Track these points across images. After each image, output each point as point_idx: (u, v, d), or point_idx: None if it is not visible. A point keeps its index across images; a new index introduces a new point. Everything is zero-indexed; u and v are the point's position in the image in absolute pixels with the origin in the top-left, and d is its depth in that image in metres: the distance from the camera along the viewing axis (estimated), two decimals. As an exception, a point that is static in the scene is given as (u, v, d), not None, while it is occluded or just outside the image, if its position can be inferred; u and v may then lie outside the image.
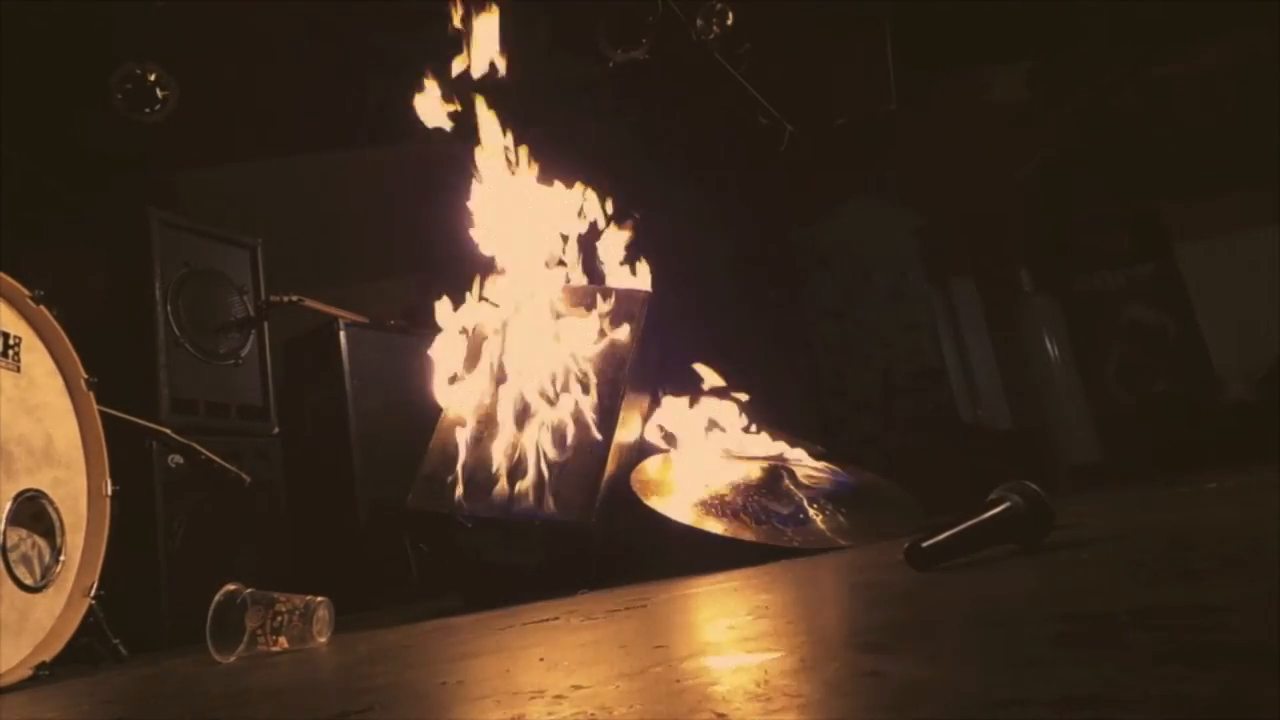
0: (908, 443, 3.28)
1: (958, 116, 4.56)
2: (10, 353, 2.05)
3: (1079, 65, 4.37)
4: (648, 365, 2.89)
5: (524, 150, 2.93)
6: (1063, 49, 4.25)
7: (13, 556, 1.94)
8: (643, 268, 3.03)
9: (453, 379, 2.67)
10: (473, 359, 2.72)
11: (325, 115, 3.66)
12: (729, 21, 3.46)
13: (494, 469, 2.46)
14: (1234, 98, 4.49)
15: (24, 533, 1.99)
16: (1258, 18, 3.91)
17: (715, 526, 2.37)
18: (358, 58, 3.47)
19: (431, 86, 2.84)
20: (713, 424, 2.94)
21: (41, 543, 2.03)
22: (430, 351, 2.69)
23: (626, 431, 2.72)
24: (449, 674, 1.13)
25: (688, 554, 2.32)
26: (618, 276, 3.04)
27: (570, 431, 2.54)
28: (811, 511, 2.49)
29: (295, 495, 3.06)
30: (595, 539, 2.39)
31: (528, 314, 2.79)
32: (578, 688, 0.83)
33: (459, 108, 2.89)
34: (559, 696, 0.80)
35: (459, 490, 2.43)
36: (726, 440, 2.93)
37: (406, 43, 3.43)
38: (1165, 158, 4.88)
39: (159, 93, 3.26)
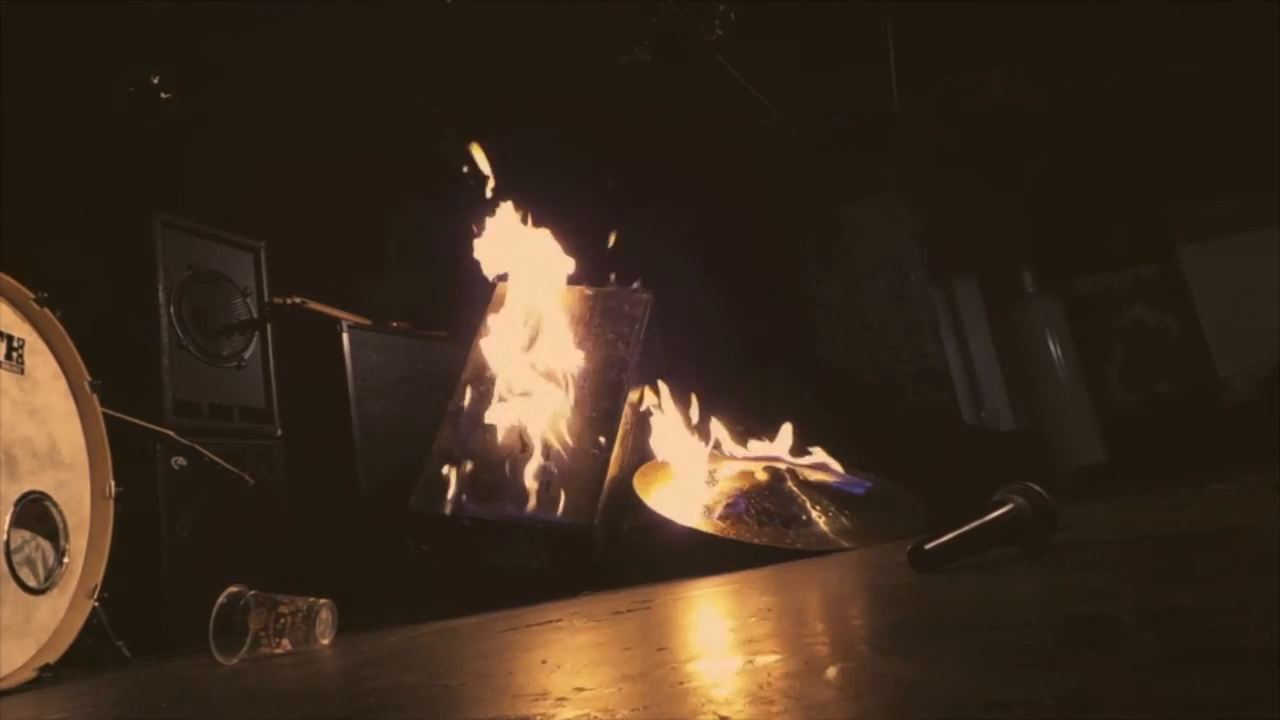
0: (910, 444, 3.27)
1: (960, 117, 4.55)
2: (14, 355, 2.06)
3: (1082, 65, 4.37)
4: (650, 368, 2.89)
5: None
6: (1065, 49, 4.24)
7: (16, 559, 1.94)
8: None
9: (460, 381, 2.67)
10: (478, 362, 2.73)
11: (329, 117, 3.66)
12: (732, 21, 3.46)
13: (496, 471, 2.47)
14: (1237, 99, 4.49)
15: (28, 535, 1.99)
16: (1260, 19, 3.91)
17: (718, 529, 2.37)
18: (365, 59, 3.48)
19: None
20: (716, 426, 2.93)
21: (45, 545, 2.03)
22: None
23: (629, 434, 2.72)
24: (452, 676, 1.13)
25: (690, 556, 2.32)
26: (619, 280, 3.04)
27: (573, 434, 2.54)
28: (814, 513, 2.49)
29: (298, 497, 3.06)
30: (597, 541, 2.39)
31: (530, 316, 2.79)
32: (580, 690, 0.83)
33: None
34: (562, 699, 0.80)
35: (461, 492, 2.43)
36: (729, 442, 2.93)
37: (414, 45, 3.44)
38: (1168, 159, 4.87)
39: (162, 94, 3.27)
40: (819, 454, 2.91)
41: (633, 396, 2.74)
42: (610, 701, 0.76)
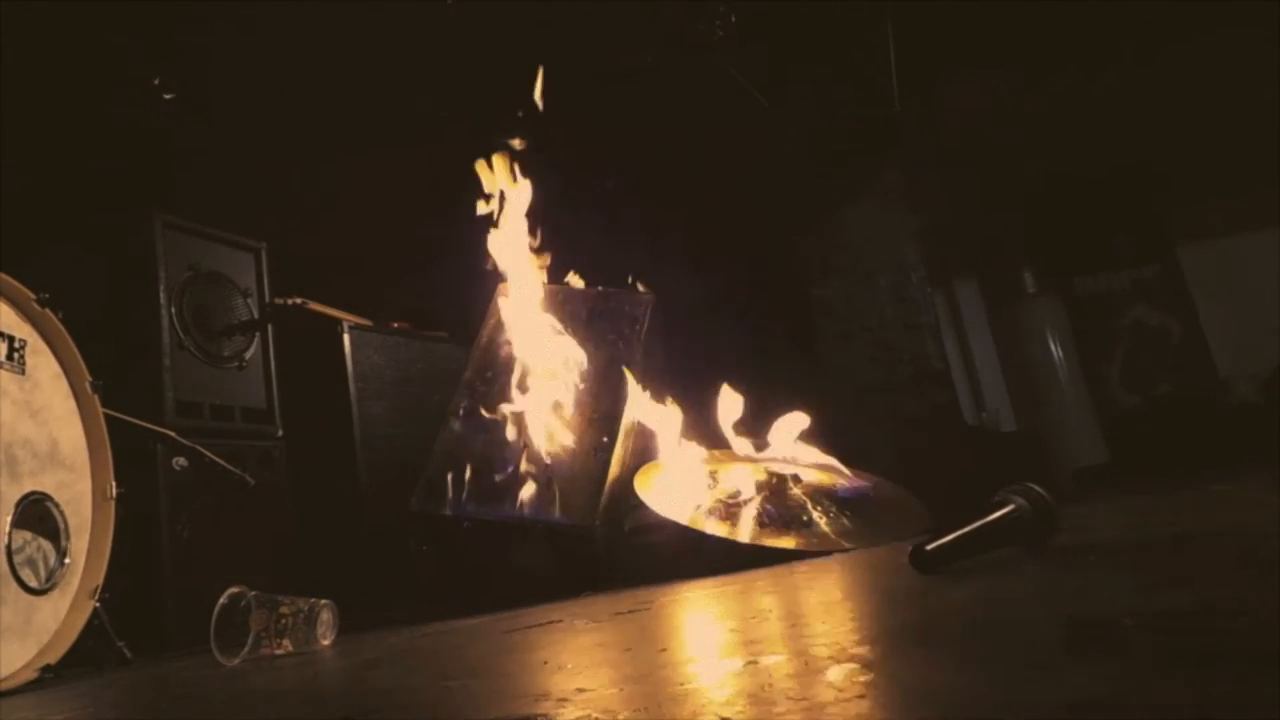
0: (911, 445, 3.27)
1: (960, 117, 4.55)
2: (15, 356, 2.06)
3: (1082, 66, 4.36)
4: (651, 368, 2.89)
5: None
6: (1066, 50, 4.24)
7: (18, 559, 1.94)
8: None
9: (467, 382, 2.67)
10: (479, 362, 2.73)
11: (329, 116, 3.66)
12: (732, 22, 3.47)
13: (498, 471, 2.47)
14: (1237, 99, 4.48)
15: (29, 535, 1.99)
16: (1259, 18, 3.91)
17: (719, 529, 2.37)
18: (367, 59, 3.48)
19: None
20: (717, 427, 2.93)
21: (46, 545, 2.03)
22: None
23: (630, 434, 2.72)
24: (453, 677, 1.13)
25: (691, 557, 2.32)
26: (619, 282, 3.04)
27: (574, 434, 2.54)
28: (816, 514, 2.48)
29: (299, 498, 3.06)
30: (599, 542, 2.39)
31: (532, 316, 2.79)
32: (582, 691, 0.83)
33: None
34: (563, 699, 0.80)
35: (462, 493, 2.43)
36: (731, 443, 2.92)
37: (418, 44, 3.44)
38: (1168, 159, 4.87)
39: (164, 95, 3.27)
40: (820, 455, 2.91)
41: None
42: (612, 703, 0.76)
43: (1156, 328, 5.19)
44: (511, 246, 2.87)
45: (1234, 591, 0.86)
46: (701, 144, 3.80)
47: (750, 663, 0.85)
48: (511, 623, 1.72)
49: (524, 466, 2.46)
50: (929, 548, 1.30)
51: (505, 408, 2.59)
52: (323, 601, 1.84)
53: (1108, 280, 5.32)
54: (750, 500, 2.52)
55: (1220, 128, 4.62)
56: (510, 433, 2.53)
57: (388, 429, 3.26)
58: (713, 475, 2.69)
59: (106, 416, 2.25)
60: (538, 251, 2.91)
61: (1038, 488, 1.34)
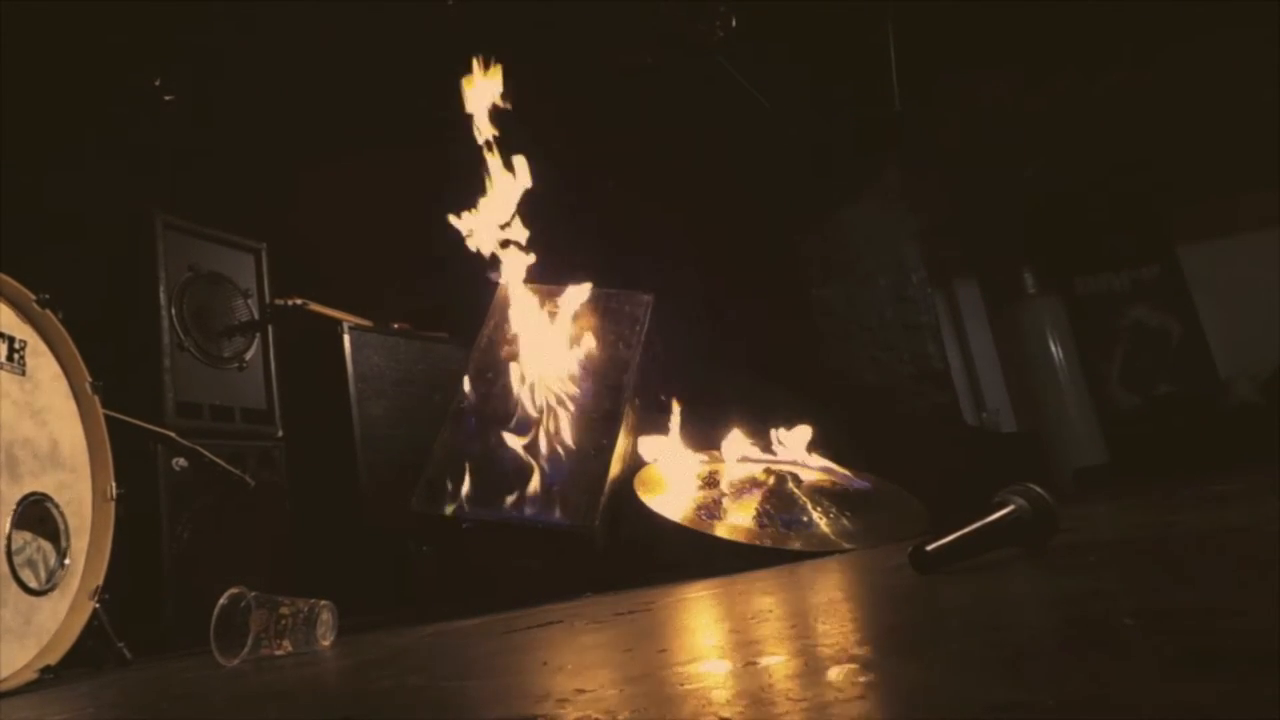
0: (911, 445, 3.27)
1: (960, 118, 4.55)
2: (15, 356, 2.06)
3: (1082, 67, 4.36)
4: (651, 369, 2.89)
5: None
6: (1066, 51, 4.24)
7: (18, 560, 1.94)
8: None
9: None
10: (480, 362, 2.73)
11: (329, 116, 3.66)
12: (732, 24, 3.47)
13: (497, 472, 2.47)
14: (1237, 98, 4.48)
15: (29, 536, 1.99)
16: (1260, 18, 3.91)
17: (718, 530, 2.37)
18: (368, 59, 3.48)
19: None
20: (718, 428, 2.93)
21: (47, 546, 2.03)
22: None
23: (630, 435, 2.72)
24: (453, 677, 1.13)
25: (691, 557, 2.32)
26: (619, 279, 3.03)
27: (574, 435, 2.54)
28: (815, 514, 2.48)
29: (299, 499, 3.06)
30: (598, 542, 2.39)
31: (532, 317, 2.79)
32: (582, 691, 0.83)
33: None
34: (563, 700, 0.80)
35: (462, 493, 2.43)
36: (731, 443, 2.92)
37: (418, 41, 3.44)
38: (1169, 159, 4.87)
39: (165, 96, 3.27)
40: (820, 455, 2.91)
41: (633, 398, 2.74)
42: (612, 703, 0.76)
43: (1156, 328, 5.19)
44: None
45: (1233, 591, 0.86)
46: (701, 144, 3.79)
47: (750, 663, 0.85)
48: (511, 623, 1.72)
49: (524, 467, 2.46)
50: (929, 548, 1.30)
51: (506, 408, 2.59)
52: (323, 602, 1.84)
53: (1108, 280, 5.32)
54: (749, 501, 2.52)
55: (1220, 128, 4.62)
56: (510, 433, 2.53)
57: (388, 429, 3.26)
58: (712, 476, 2.69)
59: (106, 417, 2.24)
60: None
61: (1038, 488, 1.34)
